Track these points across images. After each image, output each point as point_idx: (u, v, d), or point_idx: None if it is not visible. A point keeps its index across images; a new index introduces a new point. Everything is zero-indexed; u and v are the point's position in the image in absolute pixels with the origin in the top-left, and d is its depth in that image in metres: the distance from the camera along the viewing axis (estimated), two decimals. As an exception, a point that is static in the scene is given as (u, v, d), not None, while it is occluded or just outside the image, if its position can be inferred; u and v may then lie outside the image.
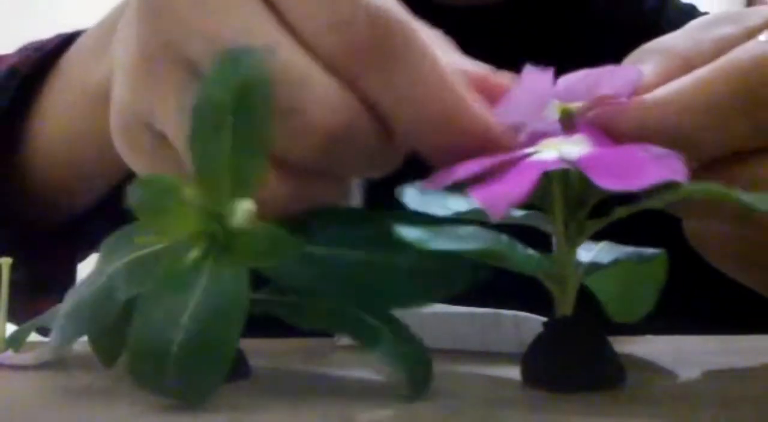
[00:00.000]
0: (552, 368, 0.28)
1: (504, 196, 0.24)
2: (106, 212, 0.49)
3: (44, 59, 0.48)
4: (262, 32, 0.27)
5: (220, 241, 0.27)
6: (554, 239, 0.29)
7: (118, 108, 0.31)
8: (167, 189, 0.27)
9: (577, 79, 0.30)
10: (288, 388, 0.29)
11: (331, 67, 0.27)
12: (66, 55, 0.48)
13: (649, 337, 0.38)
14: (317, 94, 0.27)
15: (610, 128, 0.28)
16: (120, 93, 0.30)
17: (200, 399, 0.26)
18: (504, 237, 0.27)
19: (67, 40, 0.49)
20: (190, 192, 0.27)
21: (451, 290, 0.27)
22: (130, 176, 0.30)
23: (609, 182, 0.24)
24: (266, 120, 0.26)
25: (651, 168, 0.24)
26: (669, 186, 0.25)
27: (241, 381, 0.30)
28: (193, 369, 0.25)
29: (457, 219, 0.28)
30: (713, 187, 0.26)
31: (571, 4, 0.54)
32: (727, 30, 0.31)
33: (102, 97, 0.41)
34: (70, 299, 0.30)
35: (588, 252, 0.30)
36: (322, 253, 0.27)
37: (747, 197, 0.25)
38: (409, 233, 0.25)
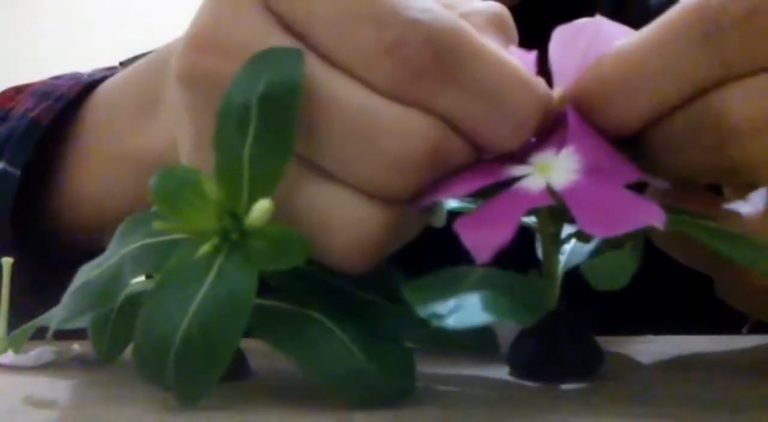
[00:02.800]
0: (533, 358, 0.29)
1: (489, 240, 0.25)
2: None
3: (66, 109, 0.45)
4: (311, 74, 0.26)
5: (233, 239, 0.27)
6: (538, 241, 0.30)
7: None
8: (188, 181, 0.27)
9: (567, 54, 0.29)
10: (288, 388, 0.29)
11: (392, 93, 0.26)
12: (90, 107, 0.46)
13: (650, 337, 0.38)
14: (389, 127, 0.25)
15: (582, 101, 0.28)
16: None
17: (195, 393, 0.26)
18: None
19: (85, 89, 0.46)
20: (210, 187, 0.27)
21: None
22: None
23: (594, 229, 0.25)
24: (290, 122, 0.26)
25: (632, 214, 0.25)
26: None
27: (241, 381, 0.30)
28: (192, 363, 0.25)
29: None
30: (690, 225, 0.26)
31: (579, 5, 0.54)
32: None
33: (149, 166, 0.40)
34: (78, 279, 0.30)
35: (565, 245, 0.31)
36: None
37: (725, 246, 0.26)
38: (424, 310, 0.24)
